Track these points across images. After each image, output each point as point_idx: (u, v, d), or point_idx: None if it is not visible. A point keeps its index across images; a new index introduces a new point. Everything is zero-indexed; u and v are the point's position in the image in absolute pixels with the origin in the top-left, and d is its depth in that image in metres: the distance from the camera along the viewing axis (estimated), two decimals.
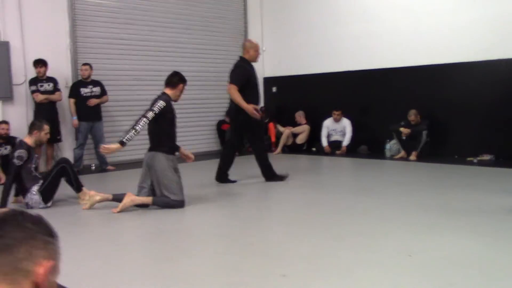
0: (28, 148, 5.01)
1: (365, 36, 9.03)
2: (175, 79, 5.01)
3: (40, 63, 7.34)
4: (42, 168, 6.97)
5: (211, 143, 9.93)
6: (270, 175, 6.22)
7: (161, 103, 4.75)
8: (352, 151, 9.03)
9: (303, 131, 9.68)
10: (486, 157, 7.58)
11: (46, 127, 5.17)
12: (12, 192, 5.09)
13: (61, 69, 7.93)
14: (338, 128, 9.28)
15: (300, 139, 9.70)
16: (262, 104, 10.25)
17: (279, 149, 9.45)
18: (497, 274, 2.90)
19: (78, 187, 5.15)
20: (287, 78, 10.32)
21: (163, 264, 3.31)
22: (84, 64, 7.75)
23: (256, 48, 6.26)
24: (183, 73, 5.15)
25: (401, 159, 8.11)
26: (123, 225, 4.36)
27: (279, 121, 10.05)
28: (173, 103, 4.99)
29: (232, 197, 5.40)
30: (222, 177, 6.26)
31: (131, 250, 3.75)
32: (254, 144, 6.31)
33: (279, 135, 9.77)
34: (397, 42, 8.64)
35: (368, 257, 3.26)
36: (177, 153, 5.14)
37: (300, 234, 4.01)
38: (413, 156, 7.95)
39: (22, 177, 5.00)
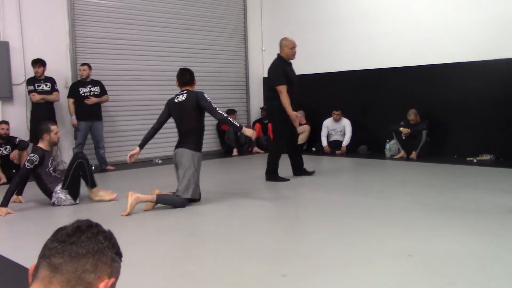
0: (43, 153, 5.06)
1: (365, 36, 9.03)
2: (189, 76, 5.05)
3: (38, 63, 7.33)
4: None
5: (211, 143, 9.92)
6: (273, 175, 6.27)
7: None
8: (352, 151, 9.03)
9: (303, 131, 9.65)
10: (486, 157, 7.58)
11: (54, 127, 5.21)
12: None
13: (61, 69, 7.94)
14: (338, 128, 9.28)
15: (301, 139, 9.67)
16: (262, 104, 10.27)
17: None
18: (497, 274, 2.90)
19: (92, 183, 5.25)
20: None
21: (162, 264, 3.31)
22: (83, 64, 7.74)
23: (290, 46, 6.31)
24: None
25: (401, 159, 8.12)
26: (123, 225, 4.35)
27: None
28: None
29: (232, 197, 5.40)
30: (298, 171, 6.52)
31: (131, 250, 3.73)
32: (276, 142, 6.39)
33: None
34: (397, 42, 8.64)
35: (368, 256, 3.26)
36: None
37: (300, 233, 4.02)
38: (413, 155, 7.96)
39: (44, 181, 5.12)
